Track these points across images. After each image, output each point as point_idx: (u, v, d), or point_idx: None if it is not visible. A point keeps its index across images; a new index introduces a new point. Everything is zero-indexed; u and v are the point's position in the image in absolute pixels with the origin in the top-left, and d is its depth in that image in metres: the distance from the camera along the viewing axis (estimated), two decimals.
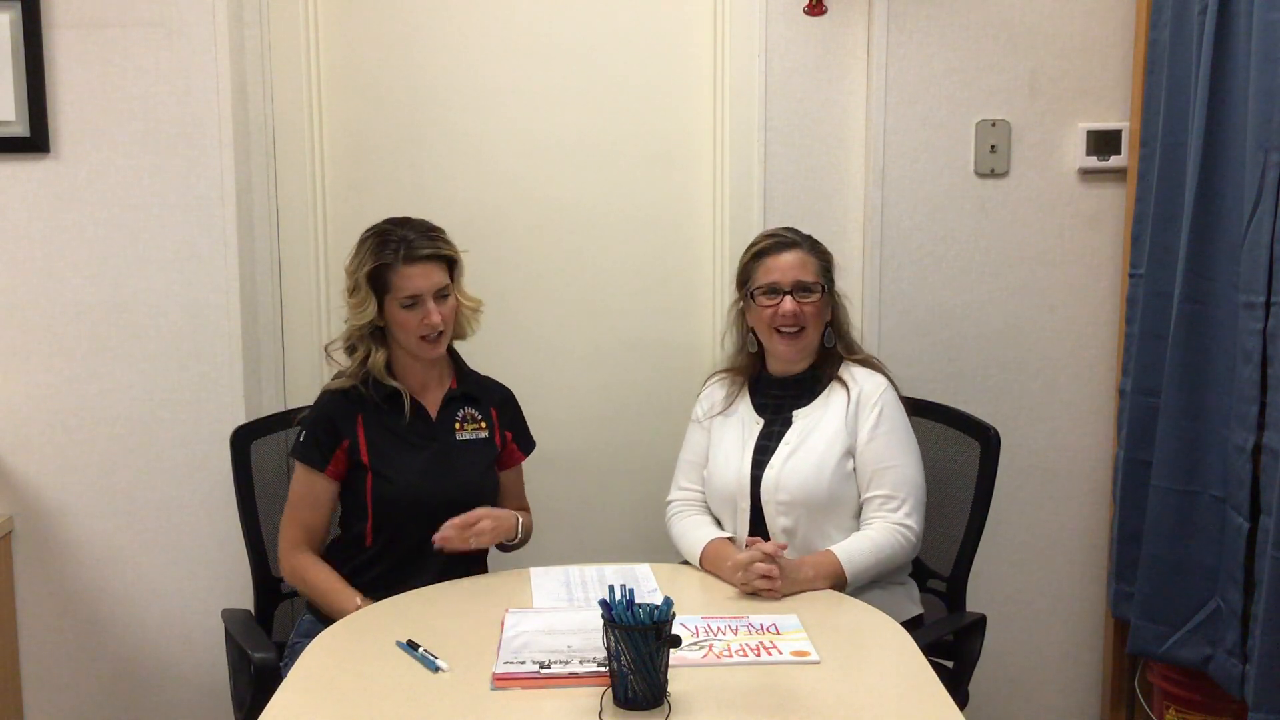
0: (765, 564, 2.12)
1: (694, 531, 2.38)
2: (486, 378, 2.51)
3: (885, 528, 2.28)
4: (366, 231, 2.35)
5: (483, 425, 2.43)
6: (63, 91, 2.66)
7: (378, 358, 2.33)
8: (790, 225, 2.48)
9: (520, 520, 2.39)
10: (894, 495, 2.30)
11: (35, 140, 2.65)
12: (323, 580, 2.29)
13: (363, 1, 2.83)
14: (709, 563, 2.29)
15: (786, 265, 2.37)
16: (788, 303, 2.35)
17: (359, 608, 2.18)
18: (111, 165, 2.68)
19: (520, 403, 2.53)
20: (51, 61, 2.65)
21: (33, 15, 2.62)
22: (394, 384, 2.35)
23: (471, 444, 2.40)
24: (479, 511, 2.28)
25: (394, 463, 2.32)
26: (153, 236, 2.71)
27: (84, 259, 2.71)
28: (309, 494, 2.33)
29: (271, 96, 2.77)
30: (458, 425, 2.40)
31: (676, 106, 2.87)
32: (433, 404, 2.39)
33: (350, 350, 2.38)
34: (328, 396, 2.36)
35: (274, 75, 2.76)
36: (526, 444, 2.53)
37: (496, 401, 2.47)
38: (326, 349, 2.43)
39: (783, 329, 2.36)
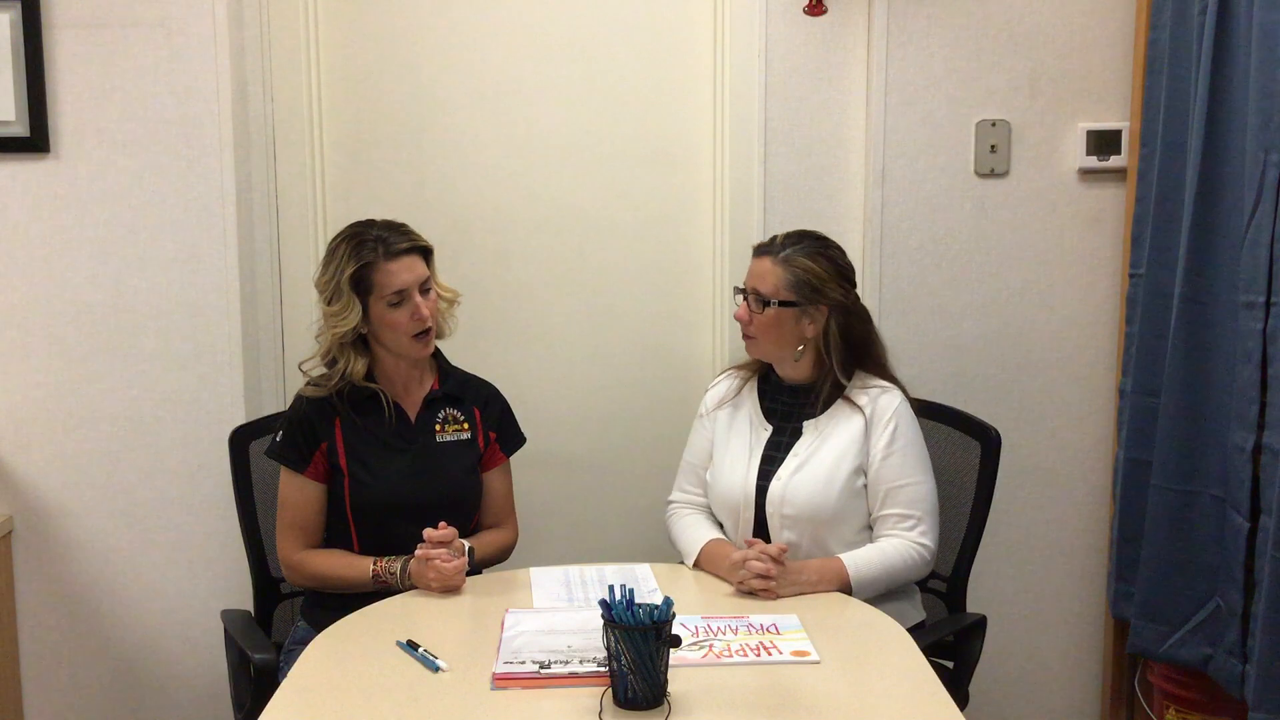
0: (763, 563, 2.12)
1: (692, 531, 2.38)
2: (471, 376, 2.48)
3: (899, 544, 2.26)
4: (335, 239, 2.32)
5: (465, 426, 2.40)
6: (63, 91, 2.66)
7: (357, 367, 2.29)
8: (802, 228, 2.41)
9: (468, 556, 2.23)
10: (909, 514, 2.28)
11: (35, 140, 2.65)
12: (331, 564, 2.29)
13: (363, 1, 2.83)
14: (707, 562, 2.29)
15: (752, 271, 2.35)
16: (739, 305, 2.35)
17: (376, 571, 2.21)
18: (111, 165, 2.68)
19: (518, 402, 2.51)
20: (51, 61, 2.65)
21: (33, 15, 2.62)
22: (373, 386, 2.32)
23: (452, 445, 2.38)
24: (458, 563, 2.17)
25: (372, 466, 2.31)
26: (153, 236, 2.71)
27: (84, 259, 2.71)
28: (297, 496, 2.32)
29: (271, 96, 2.77)
30: (438, 427, 2.37)
31: (676, 106, 2.87)
32: (412, 406, 2.37)
33: (331, 364, 2.33)
34: (305, 401, 2.33)
35: (274, 75, 2.76)
36: (514, 441, 2.49)
37: (480, 400, 2.44)
38: (301, 367, 2.39)
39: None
